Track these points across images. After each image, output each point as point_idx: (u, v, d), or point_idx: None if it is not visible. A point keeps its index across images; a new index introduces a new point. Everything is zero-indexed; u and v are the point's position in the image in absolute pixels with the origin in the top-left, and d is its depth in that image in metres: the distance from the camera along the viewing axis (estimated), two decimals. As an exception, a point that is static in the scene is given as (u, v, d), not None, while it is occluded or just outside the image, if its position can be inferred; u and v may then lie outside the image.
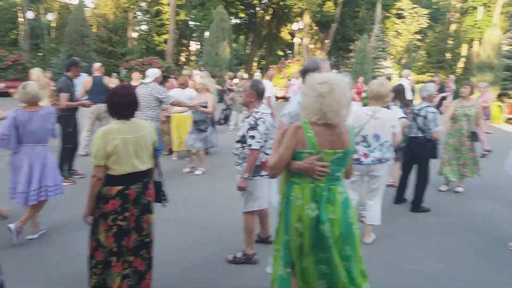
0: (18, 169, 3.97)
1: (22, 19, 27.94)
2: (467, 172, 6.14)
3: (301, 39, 30.76)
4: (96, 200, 2.74)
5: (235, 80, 12.76)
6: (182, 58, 38.75)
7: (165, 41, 32.95)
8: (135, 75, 9.41)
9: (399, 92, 5.86)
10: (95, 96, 7.15)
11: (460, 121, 6.07)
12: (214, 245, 4.09)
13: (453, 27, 34.33)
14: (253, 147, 3.40)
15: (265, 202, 3.64)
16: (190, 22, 37.18)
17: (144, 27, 37.06)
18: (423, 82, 23.30)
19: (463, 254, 4.14)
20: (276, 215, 2.64)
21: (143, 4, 35.67)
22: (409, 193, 5.51)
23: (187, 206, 5.23)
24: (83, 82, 7.55)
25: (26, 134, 3.93)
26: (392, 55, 34.28)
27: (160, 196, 3.13)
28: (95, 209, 2.76)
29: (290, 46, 41.50)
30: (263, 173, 3.53)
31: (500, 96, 16.78)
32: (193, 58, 36.62)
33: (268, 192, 3.59)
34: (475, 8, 35.36)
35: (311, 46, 34.94)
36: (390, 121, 4.06)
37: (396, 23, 36.27)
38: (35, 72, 6.47)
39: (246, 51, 39.17)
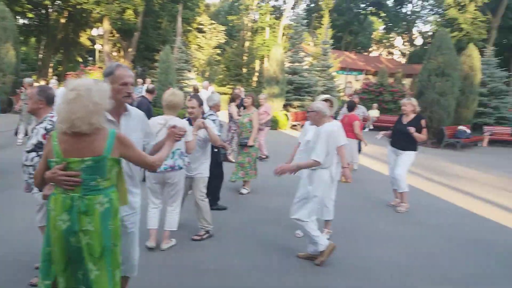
0: None
1: None
2: (243, 174, 6.74)
3: (102, 45, 29.26)
4: None
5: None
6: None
7: None
8: None
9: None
10: None
11: (241, 128, 6.93)
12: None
13: (247, 44, 38.35)
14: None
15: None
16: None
17: None
18: (224, 93, 25.26)
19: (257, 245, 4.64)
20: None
21: None
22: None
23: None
24: None
25: None
26: (196, 67, 36.03)
27: None
28: None
29: (91, 52, 38.95)
30: None
31: (285, 106, 19.48)
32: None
33: None
34: (263, 28, 40.47)
35: (114, 53, 33.62)
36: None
37: (198, 37, 38.32)
38: None
39: (40, 55, 34.83)
